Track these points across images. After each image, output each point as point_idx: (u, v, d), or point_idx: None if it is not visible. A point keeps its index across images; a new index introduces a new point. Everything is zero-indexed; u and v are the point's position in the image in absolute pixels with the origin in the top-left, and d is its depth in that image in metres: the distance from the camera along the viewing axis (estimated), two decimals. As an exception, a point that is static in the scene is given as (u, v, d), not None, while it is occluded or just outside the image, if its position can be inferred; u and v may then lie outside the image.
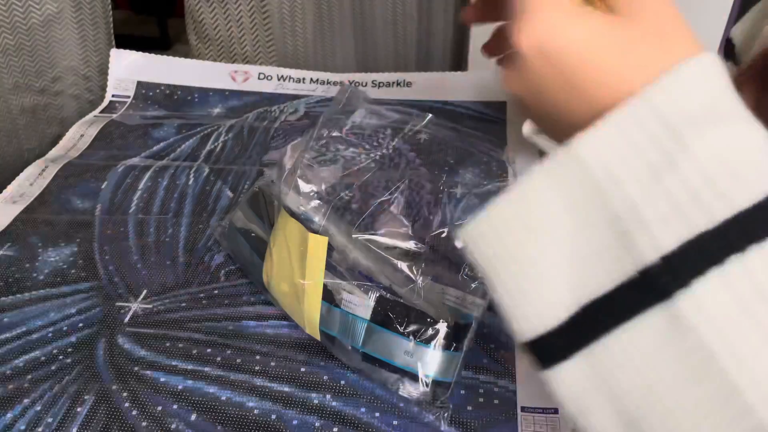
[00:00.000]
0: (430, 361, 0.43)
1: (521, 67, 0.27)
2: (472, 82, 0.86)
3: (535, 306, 0.26)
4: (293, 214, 0.45)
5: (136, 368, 0.48)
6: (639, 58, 0.25)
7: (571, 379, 0.25)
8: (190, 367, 0.48)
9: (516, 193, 0.26)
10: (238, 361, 0.48)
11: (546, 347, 0.26)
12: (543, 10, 0.26)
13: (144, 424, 0.44)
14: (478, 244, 0.27)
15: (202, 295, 0.55)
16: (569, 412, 0.26)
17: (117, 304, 0.54)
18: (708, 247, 0.23)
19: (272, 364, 0.48)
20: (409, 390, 0.44)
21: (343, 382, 0.47)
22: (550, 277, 0.25)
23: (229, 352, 0.49)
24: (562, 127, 0.27)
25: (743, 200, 0.23)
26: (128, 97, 0.86)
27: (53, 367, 0.48)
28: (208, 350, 0.49)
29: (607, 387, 0.25)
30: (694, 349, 0.23)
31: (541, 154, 0.71)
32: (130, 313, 0.53)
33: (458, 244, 0.28)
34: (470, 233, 0.27)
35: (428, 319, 0.43)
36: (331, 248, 0.45)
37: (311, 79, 0.88)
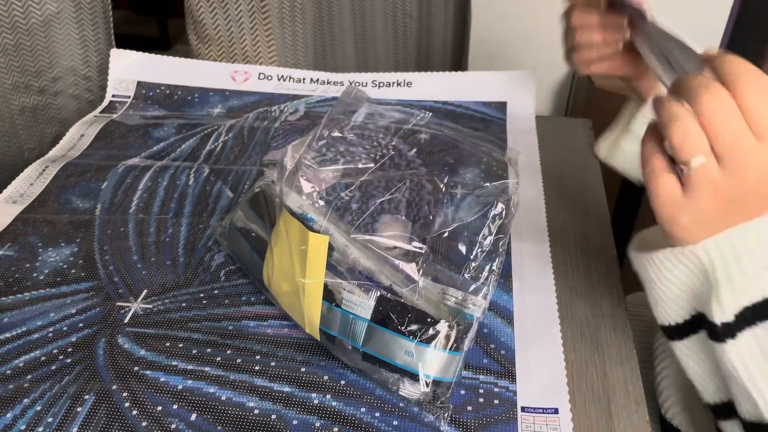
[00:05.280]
0: (431, 361, 0.43)
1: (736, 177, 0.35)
2: (472, 82, 0.86)
3: (671, 311, 0.42)
4: (294, 214, 0.45)
5: (136, 368, 0.48)
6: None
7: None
8: (190, 367, 0.48)
9: (657, 260, 0.41)
10: (238, 361, 0.48)
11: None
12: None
13: (144, 424, 0.44)
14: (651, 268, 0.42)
15: (202, 295, 0.55)
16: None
17: (117, 304, 0.54)
18: (749, 315, 0.37)
19: (272, 364, 0.48)
20: (409, 390, 0.44)
21: (343, 382, 0.47)
22: (677, 300, 0.42)
23: (229, 352, 0.49)
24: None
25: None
26: (128, 97, 0.86)
27: (53, 367, 0.48)
28: (208, 350, 0.49)
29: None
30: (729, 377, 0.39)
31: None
32: (130, 313, 0.53)
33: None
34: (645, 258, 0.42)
35: (429, 319, 0.43)
36: (331, 248, 0.45)
37: (311, 79, 0.88)
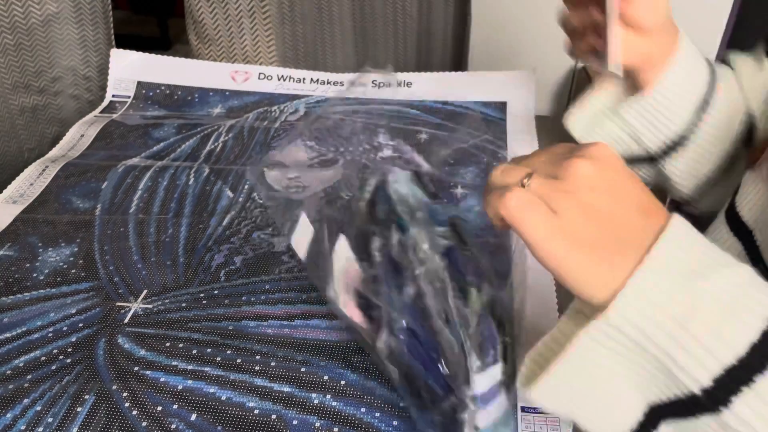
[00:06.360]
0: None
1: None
2: (472, 82, 0.86)
3: (613, 423, 0.34)
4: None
5: (136, 368, 0.48)
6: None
7: None
8: (190, 367, 0.48)
9: (570, 355, 0.32)
10: (238, 361, 0.48)
11: None
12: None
13: (144, 424, 0.44)
14: (548, 397, 0.34)
15: (202, 295, 0.55)
16: None
17: (117, 304, 0.54)
18: (738, 374, 0.29)
19: (272, 364, 0.48)
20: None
21: (343, 382, 0.47)
22: (618, 402, 0.33)
23: (229, 352, 0.49)
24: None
25: (753, 334, 0.29)
26: (128, 97, 0.86)
27: (53, 367, 0.48)
28: (208, 350, 0.49)
29: None
30: None
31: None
32: (130, 313, 0.53)
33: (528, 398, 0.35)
34: (539, 390, 0.34)
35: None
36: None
37: (311, 79, 0.88)
